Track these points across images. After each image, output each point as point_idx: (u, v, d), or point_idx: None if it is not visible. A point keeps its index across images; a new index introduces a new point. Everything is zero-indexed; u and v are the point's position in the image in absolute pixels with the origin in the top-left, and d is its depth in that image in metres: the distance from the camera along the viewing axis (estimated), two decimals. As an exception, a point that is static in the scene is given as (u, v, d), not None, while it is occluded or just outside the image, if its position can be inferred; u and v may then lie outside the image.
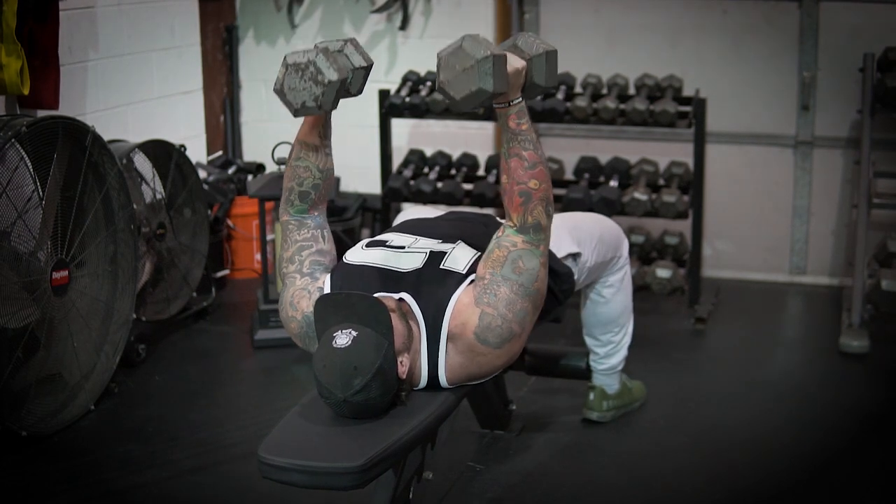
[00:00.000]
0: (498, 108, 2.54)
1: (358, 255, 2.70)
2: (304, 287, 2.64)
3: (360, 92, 2.67)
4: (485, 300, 2.51)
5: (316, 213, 2.73)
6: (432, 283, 2.56)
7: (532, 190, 2.54)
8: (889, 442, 3.42)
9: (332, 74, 2.47)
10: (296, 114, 2.54)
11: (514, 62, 2.50)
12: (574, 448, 3.40)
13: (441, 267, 2.60)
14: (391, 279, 2.60)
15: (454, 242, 2.70)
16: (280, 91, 2.53)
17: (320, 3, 5.37)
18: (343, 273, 2.65)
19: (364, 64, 2.61)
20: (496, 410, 3.40)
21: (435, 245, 2.69)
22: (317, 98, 2.49)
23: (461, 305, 2.52)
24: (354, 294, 2.46)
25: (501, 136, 2.58)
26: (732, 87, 4.92)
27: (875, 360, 4.08)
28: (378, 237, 2.79)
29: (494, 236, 2.60)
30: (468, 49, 2.42)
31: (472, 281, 2.57)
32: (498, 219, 3.04)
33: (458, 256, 2.63)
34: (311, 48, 2.52)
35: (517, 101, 2.53)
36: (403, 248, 2.69)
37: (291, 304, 2.64)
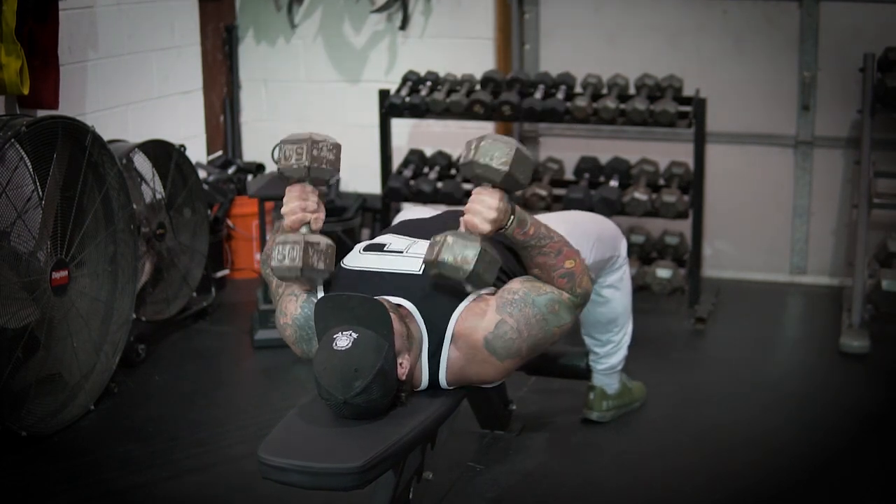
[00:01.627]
0: (500, 233, 2.55)
1: (356, 260, 2.69)
2: (291, 293, 2.66)
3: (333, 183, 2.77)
4: (508, 311, 2.53)
5: None
6: (434, 288, 2.56)
7: (571, 269, 2.59)
8: (889, 442, 3.41)
9: (322, 275, 2.60)
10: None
11: (491, 213, 2.48)
12: (574, 448, 3.40)
13: None
14: (390, 283, 2.59)
15: None
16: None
17: (320, 3, 5.37)
18: (340, 278, 2.65)
19: (330, 177, 2.65)
20: (496, 410, 3.39)
21: None
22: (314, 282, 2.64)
23: (477, 308, 2.53)
24: (355, 296, 2.45)
25: (514, 245, 2.61)
26: (732, 87, 4.92)
27: (875, 360, 4.08)
28: (375, 240, 2.79)
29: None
30: (449, 275, 2.46)
31: (481, 292, 2.57)
32: None
33: None
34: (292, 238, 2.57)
35: (511, 221, 2.52)
36: (401, 252, 2.69)
37: (282, 311, 2.66)
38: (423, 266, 2.53)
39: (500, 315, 2.52)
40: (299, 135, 2.61)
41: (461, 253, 2.44)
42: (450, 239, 2.46)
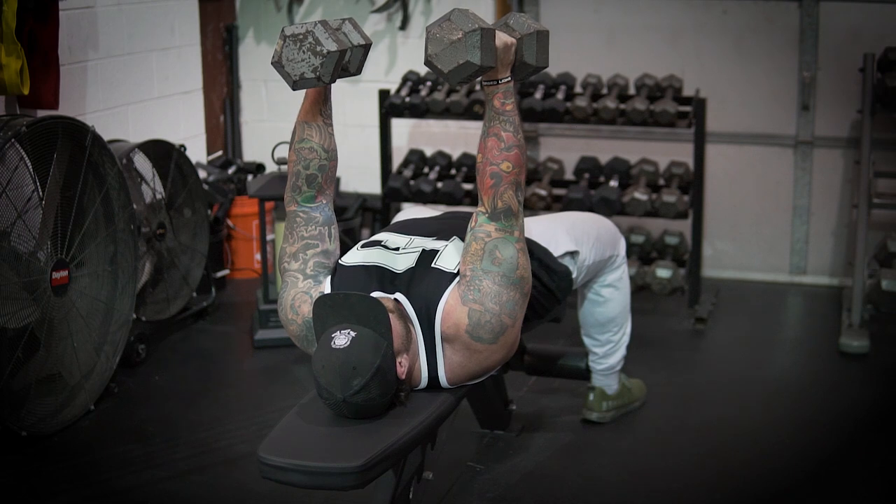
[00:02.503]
0: (486, 84, 2.52)
1: (354, 256, 2.69)
2: (306, 291, 2.62)
3: (359, 71, 2.65)
4: (470, 297, 2.50)
5: (324, 202, 2.67)
6: (423, 284, 2.56)
7: (504, 172, 2.52)
8: (889, 442, 3.41)
9: (330, 45, 2.44)
10: (294, 86, 2.50)
11: (503, 38, 2.48)
12: (574, 448, 3.40)
13: (432, 266, 2.59)
14: (386, 279, 2.59)
15: (448, 239, 2.69)
16: (278, 63, 2.49)
17: (320, 3, 5.37)
18: (340, 275, 2.65)
19: (363, 42, 2.59)
20: (496, 410, 3.39)
21: (428, 243, 2.69)
22: (315, 69, 2.46)
23: (449, 307, 2.51)
24: (353, 294, 2.45)
25: (485, 114, 2.56)
26: (732, 87, 4.92)
27: (875, 360, 4.08)
28: (374, 238, 2.78)
29: (469, 227, 2.58)
30: (456, 22, 2.40)
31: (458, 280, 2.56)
32: None
33: (450, 254, 2.62)
34: (309, 21, 2.50)
35: (506, 79, 2.51)
36: (398, 248, 2.69)
37: (292, 307, 2.62)
38: (429, 24, 2.46)
39: (466, 306, 2.50)
40: (295, 28, 2.49)
41: (477, 18, 2.41)
42: (455, 13, 2.42)
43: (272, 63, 2.50)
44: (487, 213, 2.54)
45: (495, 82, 2.50)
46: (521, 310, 2.56)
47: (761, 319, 4.63)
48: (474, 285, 2.50)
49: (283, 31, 2.48)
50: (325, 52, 2.44)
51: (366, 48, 2.61)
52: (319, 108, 2.63)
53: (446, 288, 2.53)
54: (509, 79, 2.52)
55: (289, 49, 2.46)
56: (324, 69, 2.45)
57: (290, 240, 2.66)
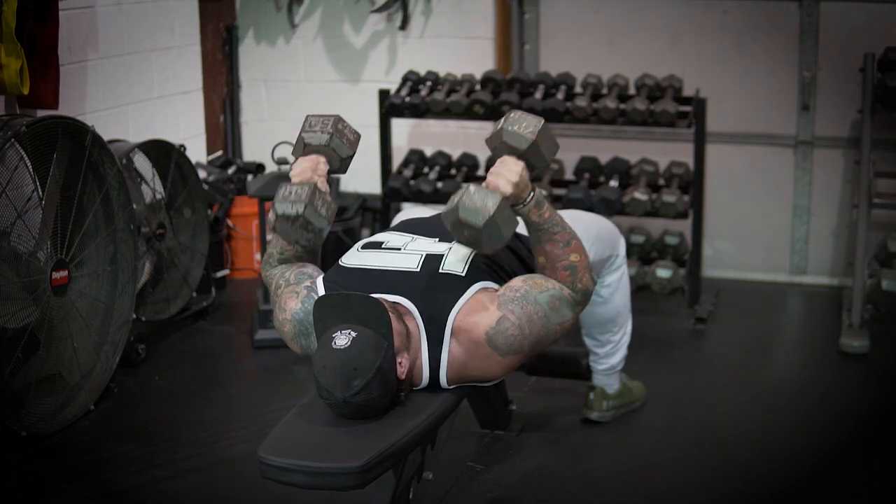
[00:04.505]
0: (516, 208, 2.56)
1: (354, 258, 2.70)
2: (291, 290, 2.66)
3: (345, 172, 2.80)
4: (510, 307, 2.52)
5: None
6: (432, 286, 2.56)
7: (575, 263, 2.60)
8: (889, 442, 3.41)
9: (321, 223, 2.56)
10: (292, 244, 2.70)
11: (512, 176, 2.51)
12: (574, 448, 3.40)
13: (440, 271, 2.59)
14: (387, 281, 2.59)
15: (449, 243, 2.69)
16: (274, 230, 2.63)
17: (320, 3, 5.37)
18: (338, 275, 2.65)
19: (350, 153, 2.75)
20: (496, 410, 3.39)
21: (430, 246, 2.69)
22: (309, 240, 2.59)
23: (478, 304, 2.52)
24: (354, 294, 2.45)
25: (527, 230, 2.63)
26: (732, 87, 4.92)
27: (875, 360, 4.08)
28: (374, 238, 2.79)
29: (542, 265, 2.64)
30: (467, 219, 2.45)
31: (482, 286, 2.57)
32: None
33: (455, 259, 2.62)
34: (302, 189, 2.56)
35: (530, 197, 2.56)
36: (399, 249, 2.69)
37: (280, 307, 2.66)
38: (443, 215, 2.52)
39: (501, 311, 2.51)
40: (285, 206, 2.63)
41: (482, 200, 2.45)
42: (472, 188, 2.47)
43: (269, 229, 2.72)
44: (569, 286, 2.62)
45: (523, 204, 2.56)
46: (533, 351, 2.61)
47: (761, 319, 4.63)
48: (520, 302, 2.54)
49: (273, 206, 2.57)
50: (316, 229, 2.56)
51: (352, 156, 2.77)
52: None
53: (466, 288, 2.55)
54: (533, 194, 2.57)
55: (282, 224, 2.58)
56: (317, 240, 2.59)
57: (273, 289, 2.77)
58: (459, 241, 2.54)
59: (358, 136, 2.77)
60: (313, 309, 2.48)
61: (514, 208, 2.54)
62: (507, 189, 2.50)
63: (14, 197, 3.33)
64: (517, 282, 2.58)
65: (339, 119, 2.72)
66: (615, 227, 3.37)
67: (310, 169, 2.67)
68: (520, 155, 2.56)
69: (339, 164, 2.74)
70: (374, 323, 2.40)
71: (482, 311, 2.52)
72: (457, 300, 2.53)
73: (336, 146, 2.69)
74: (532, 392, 3.77)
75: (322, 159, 2.70)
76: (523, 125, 2.56)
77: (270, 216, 2.60)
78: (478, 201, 2.44)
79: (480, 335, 2.51)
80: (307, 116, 2.73)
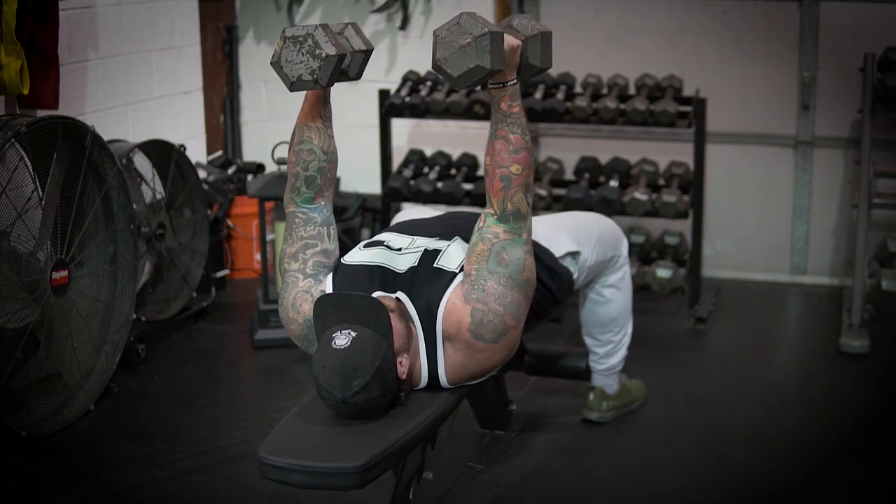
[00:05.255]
0: (492, 87, 2.52)
1: (356, 256, 2.69)
2: (306, 290, 2.62)
3: (358, 76, 2.66)
4: (474, 296, 2.50)
5: (322, 203, 2.67)
6: (425, 283, 2.56)
7: (513, 175, 2.53)
8: (889, 442, 3.41)
9: (329, 49, 2.45)
10: (291, 87, 2.51)
11: (510, 41, 2.49)
12: (574, 448, 3.40)
13: (434, 266, 2.59)
14: (388, 279, 2.59)
15: (450, 239, 2.69)
16: (276, 63, 2.50)
17: (320, 3, 5.37)
18: (342, 275, 2.65)
19: (363, 48, 2.61)
20: (496, 410, 3.39)
21: (430, 243, 2.68)
22: (313, 72, 2.46)
23: (452, 305, 2.51)
24: (353, 294, 2.45)
25: (491, 117, 2.56)
26: (732, 87, 4.92)
27: (875, 360, 4.08)
28: (376, 238, 2.78)
29: (476, 227, 2.58)
30: (466, 26, 2.40)
31: (460, 279, 2.55)
32: None
33: (453, 254, 2.62)
34: (310, 24, 2.50)
35: (512, 81, 2.52)
36: (401, 249, 2.68)
37: (293, 306, 2.62)
38: (433, 37, 2.46)
39: (468, 305, 2.50)
40: (296, 30, 2.49)
41: (474, 23, 2.41)
42: (464, 17, 2.42)
43: (271, 63, 2.51)
44: (496, 215, 2.55)
45: (502, 85, 2.51)
46: (524, 312, 2.57)
47: (761, 319, 4.63)
48: (479, 285, 2.50)
49: (283, 31, 2.49)
50: (323, 55, 2.45)
51: (366, 53, 2.63)
52: (319, 111, 2.64)
53: (448, 287, 2.53)
54: (515, 81, 2.53)
55: (288, 50, 2.47)
56: (321, 72, 2.46)
57: (290, 240, 2.67)
58: (436, 62, 2.43)
59: (356, 27, 2.62)
60: (314, 308, 2.48)
61: (492, 88, 2.50)
62: (509, 41, 2.47)
63: (14, 197, 3.33)
64: (467, 266, 2.55)
65: (321, 28, 2.48)
66: (618, 228, 3.37)
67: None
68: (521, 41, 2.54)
69: (357, 65, 2.60)
70: (374, 323, 2.40)
71: (457, 311, 2.51)
72: (440, 301, 2.52)
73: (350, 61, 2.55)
74: (532, 392, 3.77)
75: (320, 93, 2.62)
76: (530, 26, 2.56)
77: (277, 47, 2.47)
78: (481, 20, 2.41)
79: (465, 334, 2.51)
80: (283, 42, 2.49)
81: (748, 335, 4.44)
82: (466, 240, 2.69)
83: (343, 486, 2.31)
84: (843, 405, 3.73)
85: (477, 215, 2.67)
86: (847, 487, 3.13)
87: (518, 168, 2.53)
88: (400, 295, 2.55)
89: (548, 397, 3.74)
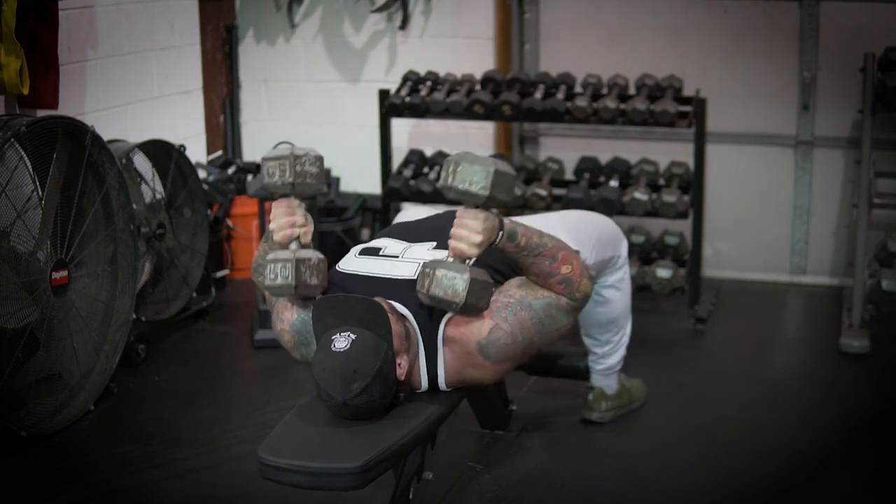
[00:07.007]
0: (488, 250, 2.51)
1: (351, 263, 2.70)
2: (285, 300, 2.66)
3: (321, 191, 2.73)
4: (503, 315, 2.51)
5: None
6: None
7: (568, 274, 2.55)
8: (889, 442, 3.41)
9: (315, 291, 2.59)
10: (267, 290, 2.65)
11: (476, 237, 2.42)
12: (574, 448, 3.40)
13: None
14: (384, 286, 2.59)
15: (446, 249, 2.68)
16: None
17: (320, 3, 5.37)
18: (335, 281, 2.64)
19: (317, 190, 2.63)
20: (496, 410, 3.39)
21: (427, 254, 2.68)
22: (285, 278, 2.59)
23: None
24: (353, 296, 2.45)
25: (507, 257, 2.56)
26: (732, 87, 4.92)
27: (875, 360, 4.08)
28: (371, 244, 2.78)
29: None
30: (442, 307, 2.45)
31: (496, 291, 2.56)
32: None
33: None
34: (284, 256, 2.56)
35: (499, 237, 2.47)
36: (396, 256, 2.68)
37: (279, 317, 2.66)
38: (418, 296, 2.49)
39: (494, 320, 2.51)
40: (281, 151, 2.60)
41: (451, 286, 2.40)
42: (438, 273, 2.41)
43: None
44: (567, 297, 2.57)
45: (492, 244, 2.48)
46: (529, 354, 2.60)
47: (761, 319, 4.63)
48: (513, 309, 2.52)
49: (265, 286, 2.61)
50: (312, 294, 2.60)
51: (320, 189, 2.69)
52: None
53: None
54: (501, 232, 2.46)
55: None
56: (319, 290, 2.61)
57: (271, 301, 2.75)
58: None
59: (321, 163, 2.63)
60: (312, 311, 2.48)
61: (490, 247, 2.47)
62: (473, 252, 2.44)
63: (14, 197, 3.33)
64: (512, 287, 2.57)
65: (294, 158, 2.56)
66: (618, 228, 3.36)
67: (287, 224, 2.58)
68: (477, 206, 2.45)
69: (311, 198, 2.70)
70: (374, 324, 2.40)
71: (474, 321, 2.51)
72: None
73: (301, 190, 2.59)
74: (532, 392, 3.77)
75: (295, 202, 2.61)
76: (474, 180, 2.40)
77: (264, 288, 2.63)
78: (447, 287, 2.40)
79: (472, 345, 2.51)
80: (263, 161, 2.60)
81: (748, 335, 4.44)
82: None
83: (343, 487, 2.31)
84: (843, 405, 3.73)
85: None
86: (847, 487, 3.13)
87: (568, 267, 2.55)
88: (395, 302, 2.54)
89: (548, 397, 3.74)
